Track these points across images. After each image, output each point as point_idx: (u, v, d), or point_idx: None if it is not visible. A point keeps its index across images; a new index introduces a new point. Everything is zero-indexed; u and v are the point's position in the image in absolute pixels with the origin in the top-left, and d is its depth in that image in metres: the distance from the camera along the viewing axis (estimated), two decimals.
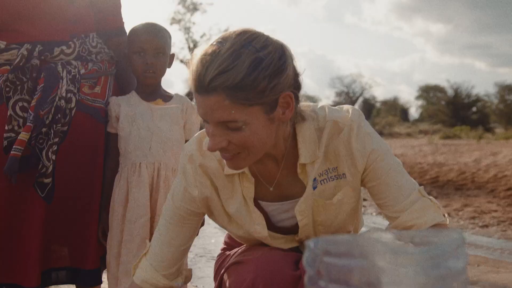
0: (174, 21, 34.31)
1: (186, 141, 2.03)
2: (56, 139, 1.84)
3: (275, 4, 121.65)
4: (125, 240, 1.95)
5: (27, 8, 1.87)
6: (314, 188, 1.37)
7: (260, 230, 1.42)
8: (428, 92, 42.68)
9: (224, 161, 1.33)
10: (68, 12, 1.93)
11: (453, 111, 36.18)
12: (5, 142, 1.82)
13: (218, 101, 1.15)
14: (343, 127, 1.35)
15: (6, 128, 1.83)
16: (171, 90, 2.15)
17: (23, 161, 1.79)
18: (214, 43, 1.19)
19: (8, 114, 1.84)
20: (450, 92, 37.94)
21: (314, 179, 1.36)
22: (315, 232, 1.44)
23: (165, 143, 2.00)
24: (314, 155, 1.34)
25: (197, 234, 1.59)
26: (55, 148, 1.84)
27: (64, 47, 1.91)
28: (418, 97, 44.46)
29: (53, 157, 1.83)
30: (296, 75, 1.26)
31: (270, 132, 1.24)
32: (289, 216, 1.45)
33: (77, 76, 1.93)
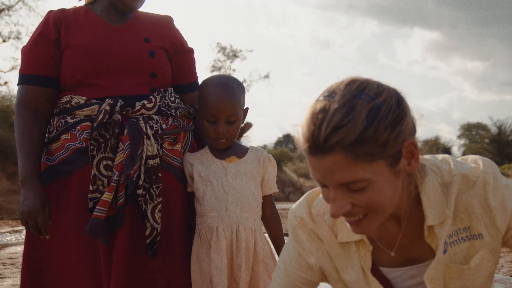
0: (215, 68, 34.77)
1: (264, 196, 1.91)
2: (160, 199, 1.76)
3: (308, 48, 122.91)
4: None
5: (108, 62, 1.79)
6: (444, 252, 1.21)
7: None
8: (470, 131, 41.66)
9: (336, 226, 1.23)
10: (149, 66, 1.84)
11: (498, 149, 35.13)
12: (91, 203, 1.72)
13: (337, 161, 1.03)
14: (475, 180, 1.20)
15: (91, 188, 1.73)
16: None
17: (109, 222, 1.69)
18: (321, 98, 1.08)
19: (93, 173, 1.74)
20: (494, 130, 36.94)
21: (444, 242, 1.20)
22: None
23: (242, 203, 1.86)
24: (443, 215, 1.19)
25: None
26: (161, 207, 1.76)
27: (145, 102, 1.81)
28: (460, 136, 43.42)
29: (159, 218, 1.75)
30: (414, 120, 1.13)
31: (396, 188, 1.12)
32: (416, 283, 1.27)
33: (160, 131, 1.82)
